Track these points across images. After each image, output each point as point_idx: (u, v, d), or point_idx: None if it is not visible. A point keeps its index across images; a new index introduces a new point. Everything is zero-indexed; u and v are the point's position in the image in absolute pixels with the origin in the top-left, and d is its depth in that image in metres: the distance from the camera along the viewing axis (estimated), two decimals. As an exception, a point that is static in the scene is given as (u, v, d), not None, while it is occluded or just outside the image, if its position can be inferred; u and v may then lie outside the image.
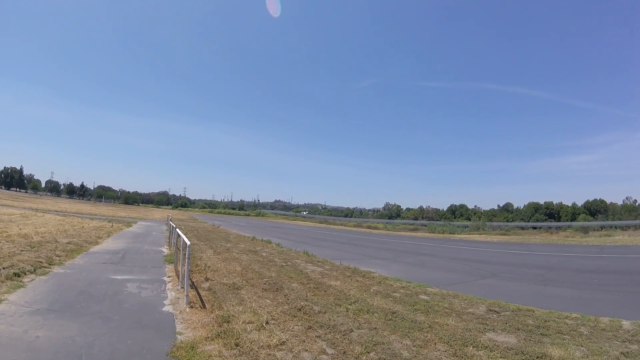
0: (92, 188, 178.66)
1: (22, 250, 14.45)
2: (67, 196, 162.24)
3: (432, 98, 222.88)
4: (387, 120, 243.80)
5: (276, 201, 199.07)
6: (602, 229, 55.86)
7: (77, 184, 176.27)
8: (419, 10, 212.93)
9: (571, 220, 70.54)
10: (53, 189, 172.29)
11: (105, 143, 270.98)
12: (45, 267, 12.37)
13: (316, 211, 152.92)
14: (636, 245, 32.78)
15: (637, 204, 79.34)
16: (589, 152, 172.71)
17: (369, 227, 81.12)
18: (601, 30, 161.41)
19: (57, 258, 14.22)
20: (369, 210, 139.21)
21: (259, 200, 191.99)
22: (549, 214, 79.65)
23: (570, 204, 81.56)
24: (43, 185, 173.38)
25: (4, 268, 10.94)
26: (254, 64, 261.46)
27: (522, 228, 66.21)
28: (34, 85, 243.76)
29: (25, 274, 10.91)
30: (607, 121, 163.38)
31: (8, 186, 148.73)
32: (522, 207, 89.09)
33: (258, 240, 29.50)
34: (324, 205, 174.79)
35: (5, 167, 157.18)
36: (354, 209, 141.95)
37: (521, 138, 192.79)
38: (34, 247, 15.80)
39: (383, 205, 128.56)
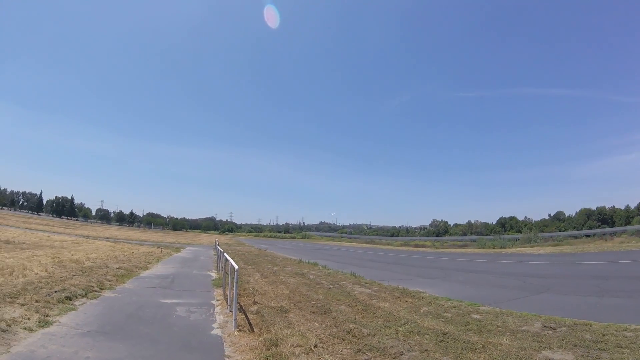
0: (141, 215, 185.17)
1: (73, 275, 14.95)
2: (117, 223, 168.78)
3: (470, 108, 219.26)
4: (426, 136, 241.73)
5: (321, 223, 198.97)
6: None
7: (126, 211, 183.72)
8: (451, 20, 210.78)
9: (625, 225, 66.59)
10: (103, 216, 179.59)
11: (153, 172, 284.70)
12: (96, 291, 12.71)
13: (361, 231, 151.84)
14: None
15: None
16: (638, 150, 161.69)
17: (416, 246, 79.84)
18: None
19: (108, 282, 14.60)
20: (415, 228, 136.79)
21: (304, 223, 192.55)
22: (602, 220, 75.67)
23: (623, 207, 76.99)
24: (94, 213, 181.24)
25: (55, 291, 11.33)
26: (292, 91, 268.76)
27: (575, 237, 63.12)
28: (83, 120, 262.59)
29: (76, 298, 11.24)
30: None
31: (59, 214, 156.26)
32: (574, 214, 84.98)
33: (304, 263, 29.49)
34: (369, 225, 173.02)
35: (56, 197, 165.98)
36: (400, 227, 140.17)
37: (567, 141, 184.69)
38: (85, 272, 16.33)
39: (430, 222, 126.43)
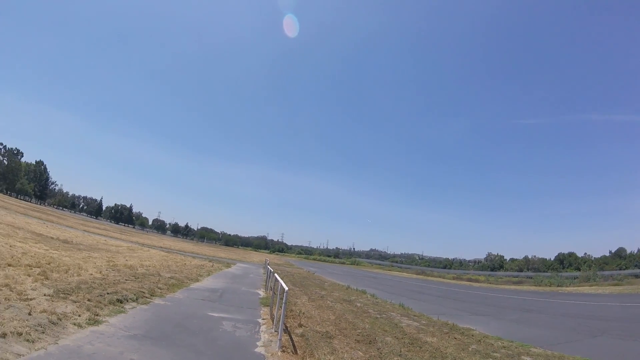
0: (195, 229, 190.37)
1: (126, 280, 15.40)
2: (172, 234, 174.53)
3: (531, 135, 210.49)
4: (486, 164, 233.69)
5: (372, 250, 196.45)
6: None
7: (181, 224, 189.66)
8: (517, 40, 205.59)
9: None
10: (159, 227, 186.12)
11: (210, 188, 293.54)
12: (146, 297, 12.99)
13: (413, 261, 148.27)
14: None
15: None
16: None
17: (469, 280, 77.25)
18: None
19: (159, 290, 14.92)
20: (469, 261, 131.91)
21: (354, 249, 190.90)
22: None
23: None
24: (150, 222, 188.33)
25: (108, 293, 11.69)
26: (353, 108, 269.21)
27: (637, 276, 58.62)
28: (149, 130, 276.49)
29: (127, 301, 11.53)
30: None
31: (117, 221, 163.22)
32: (635, 251, 79.38)
33: (352, 290, 29.05)
34: (421, 255, 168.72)
35: (115, 204, 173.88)
36: (453, 259, 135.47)
37: (631, 171, 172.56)
38: (138, 278, 16.81)
39: (485, 256, 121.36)
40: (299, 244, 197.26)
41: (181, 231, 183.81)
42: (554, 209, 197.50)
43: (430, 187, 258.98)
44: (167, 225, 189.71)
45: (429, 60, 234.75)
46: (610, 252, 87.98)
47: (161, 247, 54.98)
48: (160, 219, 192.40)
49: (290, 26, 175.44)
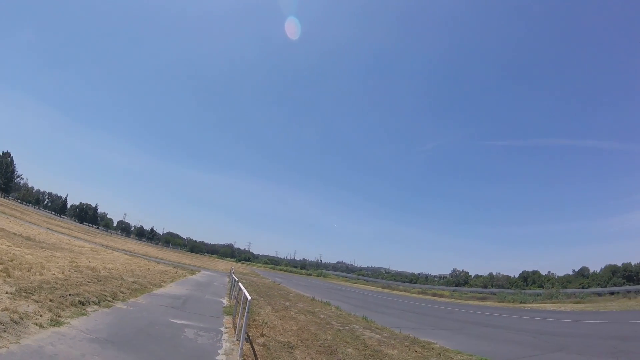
0: (161, 233, 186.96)
1: (88, 282, 15.27)
2: (137, 238, 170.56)
3: (497, 158, 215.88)
4: (454, 182, 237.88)
5: (338, 262, 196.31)
6: None
7: (147, 227, 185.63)
8: (482, 67, 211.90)
9: None
10: (124, 229, 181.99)
11: (177, 194, 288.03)
12: (109, 300, 12.95)
13: (379, 275, 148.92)
14: None
15: None
16: None
17: (434, 295, 78.19)
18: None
19: (122, 294, 14.85)
20: (435, 276, 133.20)
21: (321, 261, 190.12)
22: (628, 277, 72.14)
23: None
24: (115, 224, 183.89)
25: (70, 294, 11.63)
26: (324, 129, 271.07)
27: (599, 294, 60.61)
28: (118, 134, 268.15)
29: (89, 304, 11.50)
30: None
31: (81, 220, 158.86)
32: (598, 270, 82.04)
33: (317, 302, 29.18)
34: (388, 269, 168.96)
35: (80, 203, 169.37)
36: (419, 274, 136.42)
37: (597, 194, 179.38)
38: (101, 280, 16.66)
39: (450, 272, 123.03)
40: (266, 254, 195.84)
41: (146, 235, 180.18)
42: (519, 228, 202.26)
43: (399, 202, 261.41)
44: (132, 228, 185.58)
45: (401, 78, 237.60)
46: (573, 270, 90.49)
47: (125, 250, 54.06)
48: (126, 221, 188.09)
49: (293, 29, 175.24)
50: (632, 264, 75.58)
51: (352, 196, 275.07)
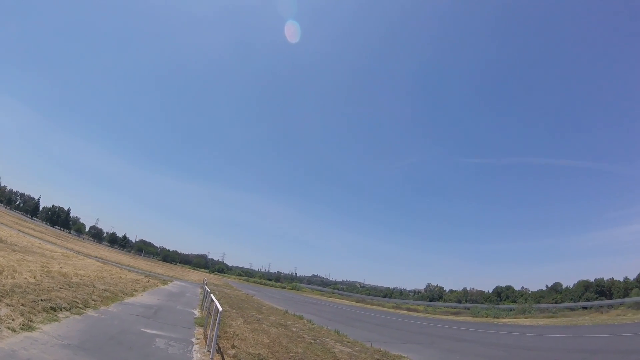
0: (133, 240, 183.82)
1: (60, 288, 15.22)
2: (108, 244, 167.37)
3: (474, 175, 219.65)
4: (426, 201, 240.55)
5: (313, 276, 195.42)
6: None
7: (120, 234, 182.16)
8: (461, 84, 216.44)
9: (624, 297, 65.33)
10: (96, 235, 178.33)
11: (152, 201, 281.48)
12: (80, 307, 12.96)
13: (354, 289, 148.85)
14: None
15: None
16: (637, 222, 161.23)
17: (408, 309, 78.56)
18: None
19: (93, 302, 14.83)
20: (409, 291, 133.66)
21: (296, 274, 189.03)
22: (600, 292, 73.67)
23: (622, 279, 75.78)
24: (87, 229, 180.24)
25: (42, 300, 11.64)
26: (299, 144, 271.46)
27: (572, 309, 61.91)
28: (96, 137, 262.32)
29: (61, 310, 11.53)
30: None
31: (53, 223, 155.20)
32: (571, 285, 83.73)
33: (290, 315, 29.25)
34: (362, 283, 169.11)
35: (53, 205, 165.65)
36: (394, 289, 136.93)
37: (570, 212, 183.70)
38: (72, 287, 16.59)
39: (425, 287, 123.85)
40: (240, 265, 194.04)
41: (118, 242, 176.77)
42: (493, 245, 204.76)
43: (374, 217, 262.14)
44: (105, 234, 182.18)
45: (381, 93, 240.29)
46: (546, 286, 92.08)
47: (97, 257, 53.34)
48: (98, 226, 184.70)
49: (292, 32, 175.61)
50: (605, 279, 77.39)
51: (328, 210, 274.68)
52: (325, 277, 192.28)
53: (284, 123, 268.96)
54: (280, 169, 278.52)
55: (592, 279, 79.43)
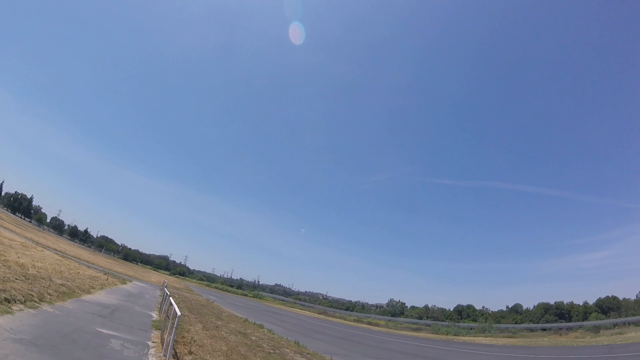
0: (95, 236, 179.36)
1: (16, 279, 14.74)
2: (69, 238, 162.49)
3: (442, 195, 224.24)
4: (393, 218, 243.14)
5: (276, 285, 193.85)
6: (614, 326, 52.90)
7: (81, 227, 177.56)
8: (431, 110, 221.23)
9: (582, 320, 67.26)
10: (57, 227, 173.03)
11: (117, 196, 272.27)
12: (35, 301, 12.58)
13: (316, 300, 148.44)
14: None
15: None
16: (601, 249, 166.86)
17: (369, 323, 78.75)
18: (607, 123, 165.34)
19: (49, 297, 14.42)
20: (371, 305, 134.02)
21: (258, 282, 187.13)
22: (560, 315, 75.83)
23: (581, 303, 78.13)
24: (48, 220, 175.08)
25: (-3, 291, 11.24)
26: (273, 150, 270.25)
27: (531, 330, 63.41)
28: (68, 124, 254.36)
29: (15, 302, 11.17)
30: (618, 216, 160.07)
31: (14, 210, 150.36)
32: (531, 307, 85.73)
33: (250, 323, 28.87)
34: (325, 295, 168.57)
35: (16, 192, 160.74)
36: (356, 302, 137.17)
37: (531, 237, 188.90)
38: (29, 279, 16.08)
39: (387, 302, 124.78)
40: (202, 270, 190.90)
41: (79, 236, 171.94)
42: (456, 264, 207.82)
43: (340, 230, 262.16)
44: (66, 227, 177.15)
45: (360, 106, 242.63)
46: (507, 307, 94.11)
47: (56, 250, 51.78)
48: (60, 218, 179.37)
49: (297, 34, 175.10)
50: (565, 302, 79.65)
51: (296, 219, 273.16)
52: (288, 287, 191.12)
53: (255, 128, 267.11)
54: (249, 174, 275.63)
55: (552, 302, 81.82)
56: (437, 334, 61.18)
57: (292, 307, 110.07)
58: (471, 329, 65.86)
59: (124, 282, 39.37)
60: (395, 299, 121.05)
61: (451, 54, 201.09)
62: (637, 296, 79.31)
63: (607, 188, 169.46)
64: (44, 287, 15.82)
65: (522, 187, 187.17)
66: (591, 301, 79.01)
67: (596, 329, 51.81)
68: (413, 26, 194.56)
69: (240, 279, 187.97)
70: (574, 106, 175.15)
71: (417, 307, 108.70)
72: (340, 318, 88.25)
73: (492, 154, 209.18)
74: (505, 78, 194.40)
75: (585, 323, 62.64)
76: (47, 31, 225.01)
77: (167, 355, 9.39)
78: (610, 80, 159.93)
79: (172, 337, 9.51)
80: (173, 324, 9.82)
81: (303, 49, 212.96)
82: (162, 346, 11.72)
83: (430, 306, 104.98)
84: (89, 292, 20.85)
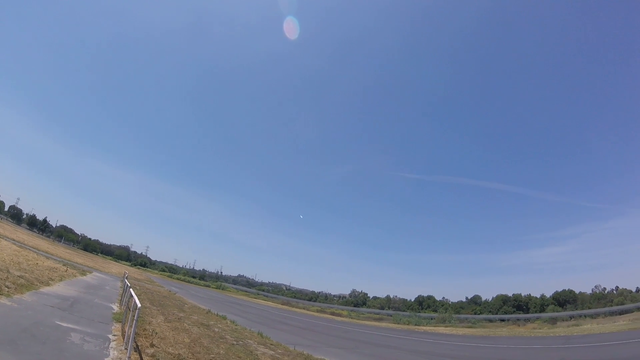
0: (54, 225, 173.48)
1: (-28, 272, 14.25)
2: (27, 227, 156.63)
3: (406, 188, 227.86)
4: (357, 209, 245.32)
5: (239, 276, 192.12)
6: (571, 319, 55.67)
7: (40, 217, 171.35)
8: (401, 104, 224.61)
9: (540, 312, 69.89)
10: (15, 215, 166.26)
11: (78, 182, 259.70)
12: (-8, 295, 12.20)
13: (280, 291, 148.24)
14: (603, 333, 32.70)
15: (606, 292, 78.98)
16: (558, 245, 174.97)
17: (332, 314, 79.43)
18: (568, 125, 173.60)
19: (6, 289, 14.00)
20: (334, 295, 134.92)
21: (221, 273, 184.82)
22: (517, 306, 78.65)
23: (539, 296, 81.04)
24: (6, 209, 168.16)
25: (-48, 286, 10.86)
26: (234, 135, 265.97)
27: (490, 320, 65.60)
28: (27, 102, 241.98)
29: (-29, 297, 10.81)
30: (575, 214, 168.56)
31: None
32: (490, 299, 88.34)
33: (213, 314, 28.59)
34: (289, 286, 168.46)
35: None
36: (320, 293, 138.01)
37: (492, 231, 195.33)
38: (-15, 272, 15.56)
39: (350, 292, 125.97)
40: (164, 261, 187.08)
41: (38, 225, 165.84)
42: (417, 255, 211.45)
43: (304, 220, 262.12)
44: (24, 216, 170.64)
45: (332, 96, 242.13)
46: (466, 298, 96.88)
47: (14, 240, 49.95)
48: (18, 206, 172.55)
49: (291, 28, 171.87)
50: (522, 295, 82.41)
51: (258, 209, 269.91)
52: (251, 278, 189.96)
53: (220, 117, 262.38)
54: (211, 163, 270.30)
55: (510, 294, 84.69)
56: (398, 323, 62.39)
57: (255, 298, 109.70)
58: (432, 319, 67.39)
59: (83, 273, 38.37)
60: (357, 290, 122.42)
61: (425, 49, 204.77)
62: (592, 290, 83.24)
63: (565, 187, 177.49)
64: (1, 279, 15.35)
65: (486, 184, 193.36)
66: (548, 294, 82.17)
67: (553, 321, 54.07)
68: (388, 21, 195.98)
69: (203, 270, 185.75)
70: (539, 107, 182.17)
71: (379, 298, 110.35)
72: (304, 308, 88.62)
73: (457, 150, 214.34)
74: (472, 77, 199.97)
75: (542, 315, 65.10)
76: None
77: (129, 349, 9.32)
78: (571, 83, 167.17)
79: (132, 329, 9.42)
80: (134, 316, 9.72)
81: (273, 39, 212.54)
82: (124, 339, 11.58)
83: (392, 297, 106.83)
84: (48, 284, 20.28)
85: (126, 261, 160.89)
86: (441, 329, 50.67)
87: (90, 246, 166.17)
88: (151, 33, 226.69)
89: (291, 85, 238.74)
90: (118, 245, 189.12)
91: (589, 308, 65.44)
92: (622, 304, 61.86)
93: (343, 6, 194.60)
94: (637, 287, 76.08)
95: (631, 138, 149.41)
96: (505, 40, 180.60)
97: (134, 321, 9.38)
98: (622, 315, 51.30)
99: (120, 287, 32.74)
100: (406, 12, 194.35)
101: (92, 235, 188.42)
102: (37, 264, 28.27)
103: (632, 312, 52.95)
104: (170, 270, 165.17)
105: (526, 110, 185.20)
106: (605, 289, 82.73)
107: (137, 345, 10.96)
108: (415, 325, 58.83)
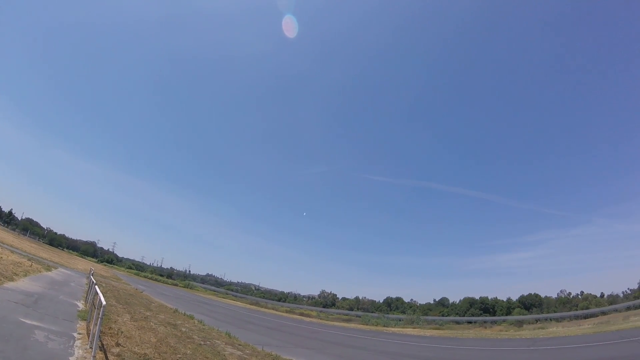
0: (19, 218, 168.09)
1: None
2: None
3: (376, 191, 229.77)
4: (326, 210, 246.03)
5: (208, 275, 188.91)
6: (537, 322, 56.70)
7: (5, 209, 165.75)
8: (375, 106, 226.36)
9: (506, 315, 71.33)
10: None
11: (44, 173, 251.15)
12: (-47, 290, 11.78)
13: (249, 291, 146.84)
14: (568, 336, 33.36)
15: (571, 296, 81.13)
16: (524, 250, 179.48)
17: (301, 314, 79.07)
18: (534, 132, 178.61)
19: (-32, 284, 13.53)
20: (303, 296, 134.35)
21: (189, 271, 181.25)
22: (484, 309, 79.99)
23: (505, 299, 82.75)
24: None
25: None
26: (204, 134, 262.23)
27: (457, 322, 66.52)
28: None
29: None
30: (540, 221, 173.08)
31: None
32: (458, 301, 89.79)
33: (180, 314, 28.08)
34: (258, 286, 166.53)
35: None
36: (289, 293, 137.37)
37: (460, 235, 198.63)
38: (-54, 266, 15.01)
39: (319, 293, 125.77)
40: (131, 258, 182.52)
41: (3, 218, 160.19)
42: (386, 257, 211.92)
43: (273, 219, 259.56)
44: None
45: (310, 95, 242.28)
46: (434, 300, 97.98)
47: (-25, 233, 48.28)
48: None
49: (290, 27, 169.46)
50: (489, 298, 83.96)
51: (226, 208, 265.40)
52: (220, 277, 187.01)
53: (189, 109, 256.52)
54: (179, 159, 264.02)
55: (477, 297, 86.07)
56: (367, 324, 62.76)
57: (224, 297, 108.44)
58: (400, 320, 67.92)
59: (49, 268, 37.30)
60: (327, 291, 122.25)
61: (410, 52, 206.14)
62: (558, 295, 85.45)
63: (531, 194, 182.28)
64: (-38, 274, 14.84)
65: (454, 189, 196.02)
66: (514, 297, 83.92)
67: (519, 324, 55.33)
68: (367, 25, 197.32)
69: (171, 268, 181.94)
70: (504, 113, 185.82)
71: (348, 299, 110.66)
72: (273, 309, 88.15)
73: (426, 154, 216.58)
74: (442, 82, 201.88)
75: (508, 317, 66.50)
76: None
77: (94, 347, 9.12)
78: (532, 88, 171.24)
79: (98, 328, 9.23)
80: (99, 314, 9.52)
81: (249, 34, 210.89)
82: (89, 338, 11.34)
83: (360, 298, 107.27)
84: (11, 279, 19.71)
85: (92, 257, 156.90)
86: (409, 330, 51.19)
87: (56, 241, 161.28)
88: (127, 21, 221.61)
89: (268, 84, 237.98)
90: (84, 240, 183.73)
91: (555, 312, 66.97)
92: (587, 308, 63.69)
93: (320, 13, 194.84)
94: (602, 293, 78.38)
95: (598, 149, 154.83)
96: (454, 40, 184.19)
97: (99, 319, 9.19)
98: (586, 319, 52.57)
99: (86, 284, 31.94)
100: (387, 17, 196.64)
101: (59, 229, 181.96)
102: (1, 257, 27.40)
103: (597, 316, 54.37)
104: (137, 267, 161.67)
105: (493, 117, 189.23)
106: (570, 293, 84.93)
107: (102, 344, 10.75)
108: (384, 326, 59.27)
